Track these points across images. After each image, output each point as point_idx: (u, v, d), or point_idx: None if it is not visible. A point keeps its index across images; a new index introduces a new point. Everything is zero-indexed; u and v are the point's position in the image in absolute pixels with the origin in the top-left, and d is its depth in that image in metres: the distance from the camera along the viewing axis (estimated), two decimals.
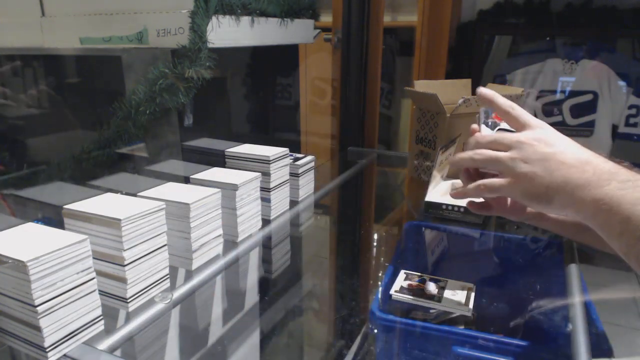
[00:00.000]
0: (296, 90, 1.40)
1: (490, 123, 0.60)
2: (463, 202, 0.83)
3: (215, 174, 0.76)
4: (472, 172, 0.58)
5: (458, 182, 0.94)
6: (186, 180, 0.75)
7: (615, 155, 1.37)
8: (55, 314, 0.48)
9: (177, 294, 0.63)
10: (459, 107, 0.93)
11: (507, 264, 0.77)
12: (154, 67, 0.72)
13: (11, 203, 0.74)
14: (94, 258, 0.52)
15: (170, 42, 0.71)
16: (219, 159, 0.84)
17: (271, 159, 0.80)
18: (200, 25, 0.69)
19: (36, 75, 1.01)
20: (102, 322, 0.54)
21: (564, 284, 0.61)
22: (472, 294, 0.59)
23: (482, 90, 0.57)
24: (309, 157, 0.93)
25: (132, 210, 0.57)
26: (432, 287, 0.61)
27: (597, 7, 1.34)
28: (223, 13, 0.75)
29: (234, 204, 0.73)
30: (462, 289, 0.61)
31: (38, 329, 0.47)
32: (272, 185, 0.82)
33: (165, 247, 0.62)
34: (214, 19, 0.73)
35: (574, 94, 1.41)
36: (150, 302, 0.60)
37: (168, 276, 0.63)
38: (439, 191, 0.91)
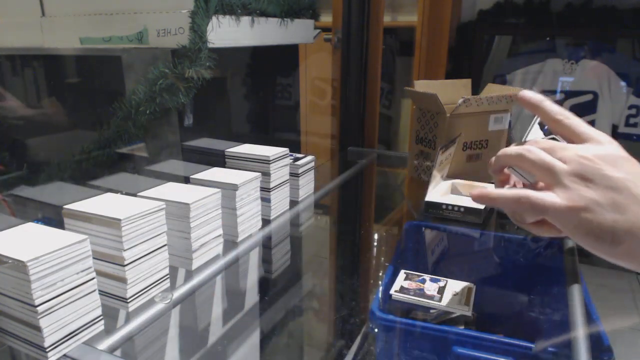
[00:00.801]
0: (296, 90, 1.41)
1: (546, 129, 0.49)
2: (463, 202, 0.83)
3: (215, 174, 0.76)
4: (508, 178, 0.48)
5: (458, 182, 0.94)
6: (186, 180, 0.75)
7: None
8: (55, 314, 0.48)
9: (177, 294, 0.63)
10: (459, 107, 0.93)
11: (507, 263, 0.77)
12: (154, 67, 0.72)
13: (11, 203, 0.74)
14: (94, 258, 0.52)
15: (170, 42, 0.71)
16: (219, 159, 0.84)
17: (271, 159, 0.80)
18: (200, 25, 0.69)
19: (36, 75, 1.01)
20: (102, 322, 0.54)
21: (564, 284, 0.61)
22: (472, 294, 0.59)
23: (526, 94, 0.45)
24: (309, 157, 0.93)
25: (132, 210, 0.57)
26: (432, 287, 0.61)
27: (597, 7, 1.34)
28: (223, 13, 0.75)
29: (234, 204, 0.73)
30: (462, 288, 0.61)
31: (38, 329, 0.47)
32: (272, 185, 0.82)
33: (165, 247, 0.62)
34: (214, 19, 0.73)
35: (574, 94, 1.41)
36: (150, 302, 0.60)
37: (168, 276, 0.63)
38: (439, 191, 0.91)
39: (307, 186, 0.94)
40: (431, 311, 0.58)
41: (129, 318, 0.58)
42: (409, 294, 0.60)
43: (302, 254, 0.89)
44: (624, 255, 0.36)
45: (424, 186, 0.89)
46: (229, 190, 0.72)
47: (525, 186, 0.44)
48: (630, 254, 0.36)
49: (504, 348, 0.48)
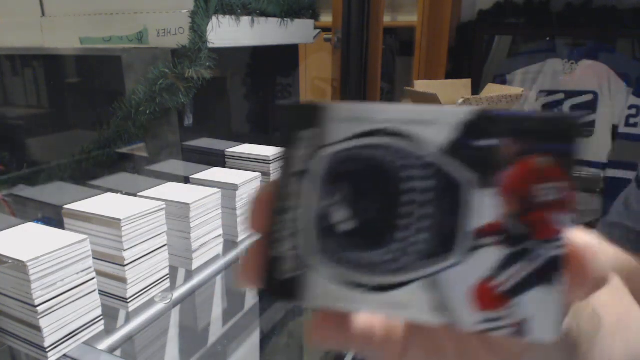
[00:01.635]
0: (296, 90, 1.41)
1: None
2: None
3: (215, 174, 0.76)
4: None
5: None
6: (186, 180, 0.75)
7: (615, 155, 1.37)
8: (55, 314, 0.48)
9: (177, 294, 0.63)
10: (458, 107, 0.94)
11: None
12: (154, 67, 0.72)
13: (11, 203, 0.74)
14: (94, 258, 0.52)
15: (170, 42, 0.71)
16: (219, 159, 0.84)
17: (271, 158, 0.80)
18: (200, 25, 0.69)
19: (36, 75, 1.01)
20: (102, 322, 0.54)
21: None
22: None
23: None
24: None
25: (132, 210, 0.57)
26: None
27: (597, 7, 1.34)
28: (223, 13, 0.75)
29: (234, 204, 0.72)
30: None
31: (38, 329, 0.47)
32: None
33: (165, 247, 0.62)
34: (214, 19, 0.73)
35: (574, 94, 1.41)
36: (150, 302, 0.60)
37: (168, 276, 0.63)
38: None
39: None
40: None
41: (129, 318, 0.58)
42: None
43: None
44: None
45: None
46: (229, 190, 0.72)
47: None
48: None
49: None
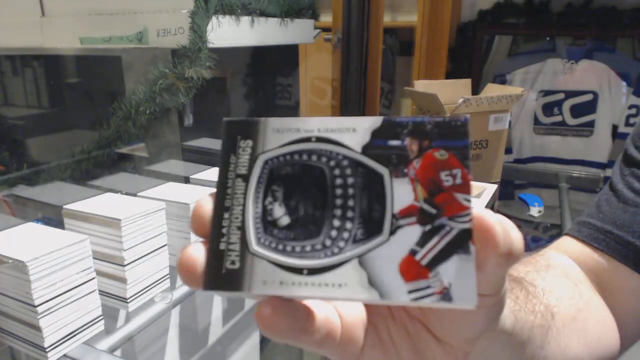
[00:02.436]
0: (296, 90, 1.41)
1: None
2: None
3: (215, 174, 0.76)
4: None
5: None
6: (186, 180, 0.75)
7: (615, 155, 1.37)
8: (55, 314, 0.48)
9: (177, 294, 0.63)
10: (459, 107, 0.93)
11: None
12: (154, 67, 0.72)
13: (11, 203, 0.74)
14: (94, 258, 0.52)
15: (170, 42, 0.71)
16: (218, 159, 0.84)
17: None
18: (200, 25, 0.69)
19: (36, 75, 1.01)
20: (102, 322, 0.54)
21: None
22: None
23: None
24: None
25: (132, 210, 0.57)
26: None
27: (597, 7, 1.34)
28: (223, 13, 0.75)
29: None
30: None
31: (38, 329, 0.47)
32: None
33: (165, 247, 0.62)
34: (214, 18, 0.73)
35: (574, 93, 1.41)
36: (150, 302, 0.60)
37: (168, 276, 0.63)
38: None
39: None
40: None
41: (129, 318, 0.58)
42: None
43: None
44: None
45: None
46: None
47: None
48: None
49: None
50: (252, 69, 1.18)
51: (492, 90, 1.07)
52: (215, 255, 0.18)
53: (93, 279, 0.52)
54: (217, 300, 0.76)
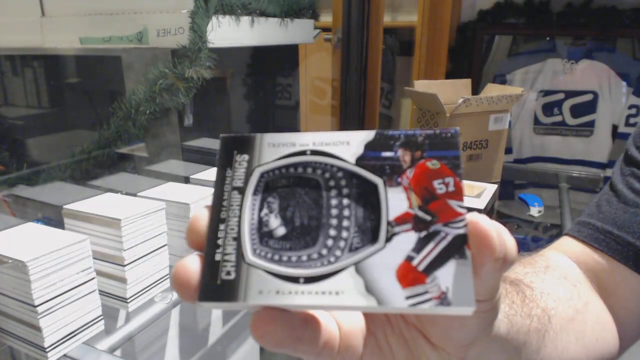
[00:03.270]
0: (296, 90, 1.40)
1: None
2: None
3: (215, 173, 0.76)
4: None
5: None
6: (186, 180, 0.75)
7: (616, 155, 1.37)
8: (55, 314, 0.48)
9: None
10: (459, 107, 0.93)
11: None
12: (154, 67, 0.72)
13: (11, 203, 0.74)
14: (94, 258, 0.52)
15: (170, 42, 0.71)
16: None
17: None
18: (200, 25, 0.69)
19: (36, 75, 1.01)
20: (102, 322, 0.54)
21: None
22: None
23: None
24: None
25: (132, 210, 0.57)
26: None
27: (597, 6, 1.34)
28: (223, 13, 0.75)
29: None
30: None
31: (38, 329, 0.47)
32: None
33: (165, 247, 0.62)
34: (214, 18, 0.73)
35: (574, 93, 1.41)
36: (150, 302, 0.60)
37: (168, 276, 0.63)
38: None
39: None
40: None
41: (129, 318, 0.58)
42: None
43: None
44: None
45: None
46: None
47: None
48: None
49: None
50: (252, 69, 1.18)
51: (492, 90, 1.07)
52: (210, 267, 0.18)
53: (93, 279, 0.52)
54: None
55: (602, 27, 1.34)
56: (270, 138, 0.20)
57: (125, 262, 0.56)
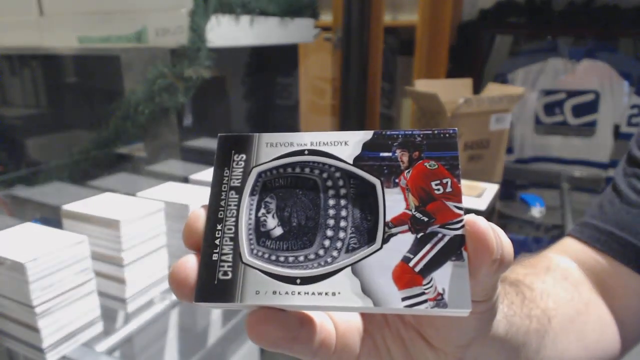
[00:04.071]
0: (296, 90, 1.40)
1: None
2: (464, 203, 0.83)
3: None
4: None
5: None
6: (185, 180, 0.75)
7: (617, 155, 1.37)
8: (53, 315, 0.48)
9: None
10: (460, 107, 0.93)
11: None
12: (153, 67, 0.72)
13: (9, 203, 0.74)
14: (92, 259, 0.52)
15: (169, 41, 0.71)
16: None
17: None
18: (199, 24, 0.69)
19: (34, 74, 1.01)
20: (101, 323, 0.54)
21: None
22: None
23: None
24: None
25: (131, 211, 0.56)
26: None
27: (599, 6, 1.34)
28: (222, 12, 0.75)
29: None
30: None
31: (36, 330, 0.47)
32: None
33: (164, 248, 0.61)
34: (213, 18, 0.72)
35: (575, 93, 1.40)
36: (150, 303, 0.60)
37: (167, 276, 0.63)
38: None
39: None
40: None
41: (128, 319, 0.57)
42: None
43: None
44: None
45: None
46: None
47: None
48: None
49: None
50: (252, 69, 1.17)
51: (493, 89, 1.07)
52: (207, 267, 0.18)
53: (92, 279, 0.52)
54: None
55: (604, 27, 1.34)
56: (268, 138, 0.20)
57: (124, 263, 0.56)
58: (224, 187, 0.19)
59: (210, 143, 0.92)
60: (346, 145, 0.19)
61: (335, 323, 0.21)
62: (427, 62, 1.47)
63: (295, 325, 0.18)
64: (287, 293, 0.17)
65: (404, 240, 0.17)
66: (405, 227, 0.18)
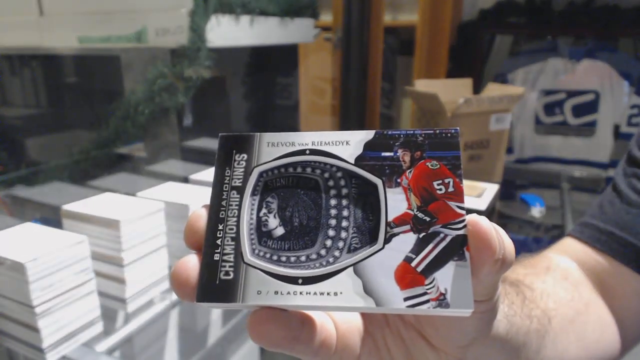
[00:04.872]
0: (296, 90, 1.40)
1: None
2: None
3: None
4: None
5: None
6: (185, 180, 0.75)
7: (617, 155, 1.37)
8: (53, 315, 0.48)
9: None
10: (460, 107, 0.93)
11: None
12: (153, 67, 0.72)
13: (9, 203, 0.74)
14: (92, 259, 0.52)
15: (169, 41, 0.71)
16: None
17: None
18: (199, 24, 0.69)
19: (34, 74, 1.01)
20: (101, 323, 0.54)
21: None
22: None
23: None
24: None
25: (131, 211, 0.56)
26: None
27: (599, 6, 1.34)
28: (222, 12, 0.75)
29: None
30: None
31: (36, 330, 0.47)
32: None
33: (164, 248, 0.61)
34: (213, 18, 0.72)
35: (575, 93, 1.40)
36: (150, 303, 0.60)
37: (167, 277, 0.63)
38: None
39: None
40: None
41: (128, 319, 0.57)
42: None
43: None
44: None
45: None
46: None
47: None
48: None
49: None
50: (252, 69, 1.17)
51: (493, 89, 1.07)
52: (209, 267, 0.18)
53: (92, 279, 0.52)
54: None
55: (604, 27, 1.34)
56: (269, 137, 0.20)
57: (124, 263, 0.56)
58: (225, 187, 0.19)
59: (210, 143, 0.92)
60: (347, 145, 0.19)
61: (335, 323, 0.21)
62: (427, 62, 1.47)
63: (297, 326, 0.18)
64: (288, 293, 0.17)
65: (406, 240, 0.17)
66: (407, 227, 0.18)
